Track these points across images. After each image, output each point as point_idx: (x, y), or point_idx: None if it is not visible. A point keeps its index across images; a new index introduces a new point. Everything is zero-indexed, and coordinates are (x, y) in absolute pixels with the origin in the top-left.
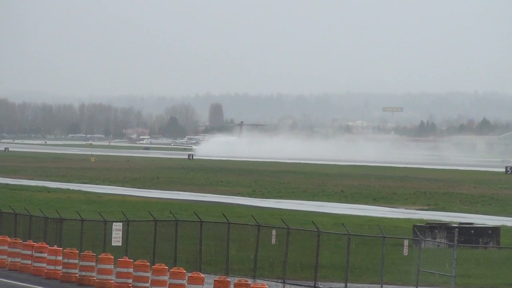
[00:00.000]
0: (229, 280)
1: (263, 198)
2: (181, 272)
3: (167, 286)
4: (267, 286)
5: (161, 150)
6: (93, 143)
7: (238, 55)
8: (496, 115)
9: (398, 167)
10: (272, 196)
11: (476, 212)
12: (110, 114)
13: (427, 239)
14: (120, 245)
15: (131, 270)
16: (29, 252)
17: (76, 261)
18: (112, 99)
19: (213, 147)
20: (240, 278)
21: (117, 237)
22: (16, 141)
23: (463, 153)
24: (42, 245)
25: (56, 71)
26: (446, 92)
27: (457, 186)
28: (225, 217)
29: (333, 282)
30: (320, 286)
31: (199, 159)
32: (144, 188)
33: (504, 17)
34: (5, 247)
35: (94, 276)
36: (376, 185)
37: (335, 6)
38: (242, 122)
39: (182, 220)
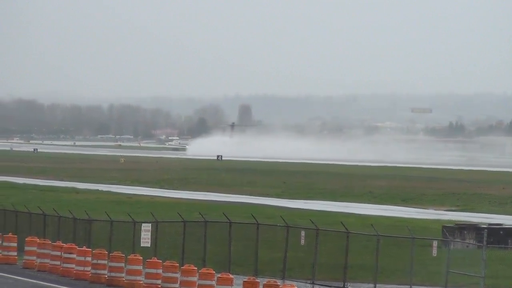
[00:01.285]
0: (258, 281)
1: (291, 199)
2: (210, 273)
3: (196, 287)
4: (296, 287)
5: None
6: (122, 144)
7: (267, 56)
8: None
9: (427, 168)
10: (301, 197)
11: (505, 213)
12: (139, 115)
13: (456, 240)
14: (149, 246)
15: (160, 271)
16: (58, 253)
17: (105, 262)
18: (141, 100)
19: (205, 147)
20: (269, 279)
21: (146, 238)
22: (45, 142)
23: (492, 154)
24: (71, 246)
25: (85, 72)
26: (474, 93)
27: (486, 187)
28: (254, 218)
29: (362, 283)
30: (349, 287)
31: (228, 160)
32: (173, 189)
33: None
34: (34, 248)
35: (123, 277)
36: (404, 186)
37: (363, 6)
38: (233, 123)
39: (211, 221)
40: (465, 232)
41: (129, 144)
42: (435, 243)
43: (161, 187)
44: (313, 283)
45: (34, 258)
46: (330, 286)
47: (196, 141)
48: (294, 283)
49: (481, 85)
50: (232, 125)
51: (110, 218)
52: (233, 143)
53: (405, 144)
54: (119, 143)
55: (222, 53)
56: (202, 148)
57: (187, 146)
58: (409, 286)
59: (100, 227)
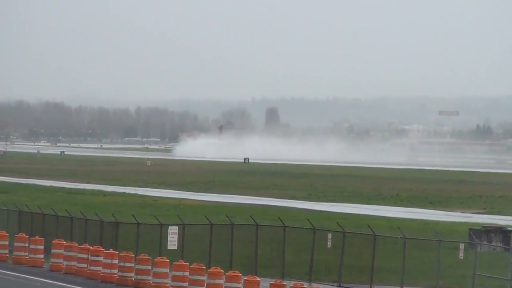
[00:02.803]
0: (285, 283)
1: (318, 201)
2: (237, 276)
3: None
4: None
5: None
6: (149, 146)
7: (294, 59)
8: None
9: (454, 171)
10: (328, 199)
11: None
12: (166, 117)
13: (483, 242)
14: (176, 248)
15: (187, 273)
16: (85, 256)
17: (132, 264)
18: (168, 103)
19: (193, 149)
20: (296, 282)
21: (173, 240)
22: (72, 144)
23: None
24: (98, 249)
25: (112, 75)
26: (502, 95)
27: None
28: (281, 220)
29: (389, 285)
30: None
31: (254, 162)
32: (199, 192)
33: None
34: (61, 251)
35: (150, 280)
36: (432, 189)
37: (391, 8)
38: (221, 125)
39: (238, 224)
40: (492, 235)
41: (156, 147)
42: (461, 246)
43: (188, 190)
44: (339, 286)
45: (61, 260)
46: None
47: (184, 142)
48: (321, 285)
49: (508, 88)
50: (220, 128)
51: (137, 221)
52: (220, 145)
53: (432, 147)
54: (146, 145)
55: (249, 56)
56: (190, 149)
57: (174, 147)
58: None
59: (127, 230)
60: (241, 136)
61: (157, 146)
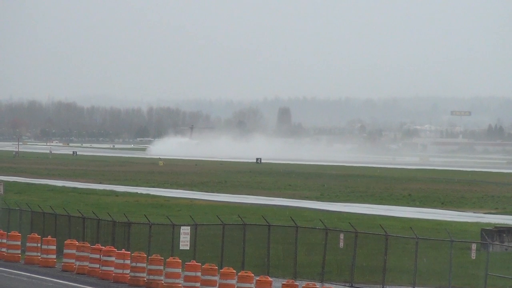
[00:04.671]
0: (297, 284)
1: (330, 201)
2: (249, 276)
3: None
4: None
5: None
6: None
7: (306, 59)
8: None
9: (466, 171)
10: (340, 200)
11: None
12: (178, 117)
13: (495, 243)
14: (188, 248)
15: (199, 273)
16: (97, 256)
17: (144, 264)
18: (180, 103)
19: (166, 148)
20: (308, 282)
21: (185, 240)
22: (84, 145)
23: None
24: (110, 249)
25: (124, 75)
26: None
27: None
28: (293, 220)
29: (401, 286)
30: None
31: (267, 163)
32: (212, 192)
33: None
34: (73, 251)
35: (162, 280)
36: (443, 189)
37: (401, 9)
38: (192, 125)
39: (250, 224)
40: (504, 235)
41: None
42: (474, 246)
43: (200, 190)
44: (352, 286)
45: (73, 261)
46: None
47: (157, 142)
48: (333, 286)
49: None
50: (191, 127)
51: (149, 221)
52: (192, 144)
53: (444, 147)
54: None
55: (261, 56)
56: (163, 148)
57: (149, 146)
58: None
59: (139, 230)
60: (252, 136)
61: (131, 146)
